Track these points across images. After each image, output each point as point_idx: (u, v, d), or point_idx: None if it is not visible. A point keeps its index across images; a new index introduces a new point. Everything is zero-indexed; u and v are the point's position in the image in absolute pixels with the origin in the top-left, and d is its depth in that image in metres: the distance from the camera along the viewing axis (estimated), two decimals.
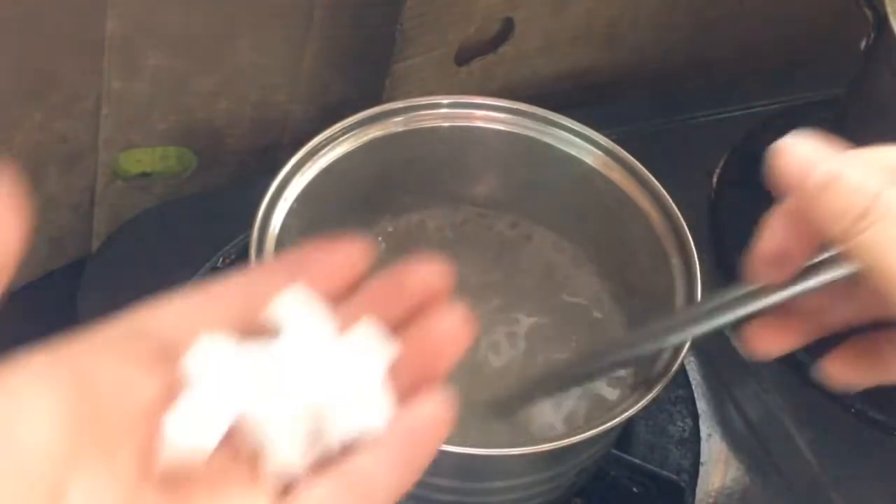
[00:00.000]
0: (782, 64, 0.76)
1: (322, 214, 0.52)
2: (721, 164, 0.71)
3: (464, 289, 0.37)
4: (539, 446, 0.45)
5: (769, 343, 0.42)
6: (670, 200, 0.52)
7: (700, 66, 0.76)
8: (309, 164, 0.52)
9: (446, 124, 0.55)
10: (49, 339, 0.29)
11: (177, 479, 0.29)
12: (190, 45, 0.58)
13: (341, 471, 0.30)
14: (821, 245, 0.39)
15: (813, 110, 0.74)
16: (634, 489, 0.57)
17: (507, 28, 0.66)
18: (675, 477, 0.58)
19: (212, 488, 0.30)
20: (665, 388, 0.46)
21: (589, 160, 0.55)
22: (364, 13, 0.61)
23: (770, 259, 0.40)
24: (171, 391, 0.30)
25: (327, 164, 0.52)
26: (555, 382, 0.51)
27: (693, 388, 0.62)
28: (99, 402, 0.28)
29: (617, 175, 0.54)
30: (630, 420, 0.48)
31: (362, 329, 0.32)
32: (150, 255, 0.63)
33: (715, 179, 0.71)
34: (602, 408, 0.52)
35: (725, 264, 0.65)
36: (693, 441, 0.60)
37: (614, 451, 0.56)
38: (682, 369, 0.62)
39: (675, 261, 0.51)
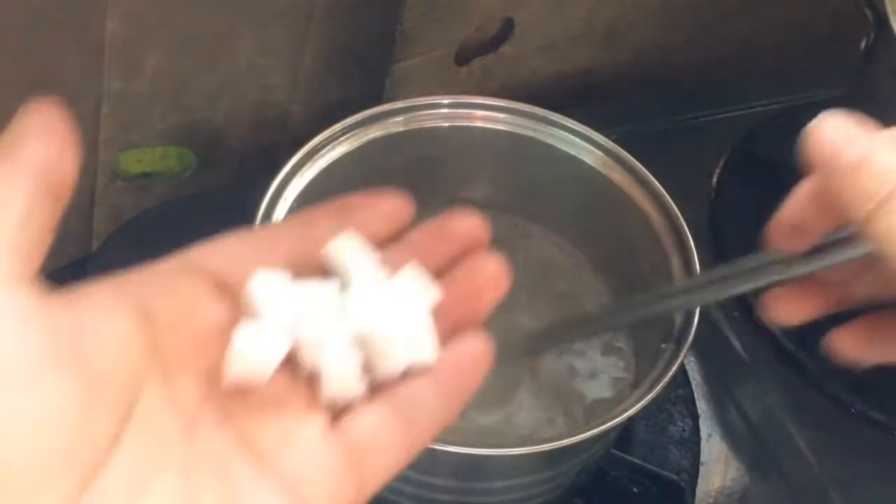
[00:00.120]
0: (782, 64, 0.76)
1: None
2: (721, 164, 0.71)
3: None
4: (539, 446, 0.45)
5: (789, 311, 0.43)
6: (670, 200, 0.52)
7: (700, 66, 0.76)
8: (309, 164, 0.52)
9: (446, 124, 0.55)
10: None
11: (237, 401, 0.31)
12: (190, 45, 0.58)
13: (393, 397, 0.32)
14: (843, 222, 0.39)
15: (813, 110, 0.74)
16: (634, 489, 0.57)
17: (507, 28, 0.66)
18: (675, 477, 0.58)
19: (270, 410, 0.31)
20: (665, 388, 0.46)
21: (589, 160, 0.55)
22: (364, 13, 0.61)
23: (790, 228, 0.40)
24: (231, 318, 0.31)
25: (327, 164, 0.52)
26: (577, 329, 0.52)
27: (693, 388, 0.62)
28: (162, 327, 0.30)
29: (617, 175, 0.54)
30: (630, 420, 0.48)
31: (408, 273, 0.34)
32: (150, 255, 0.62)
33: (715, 179, 0.70)
34: (602, 408, 0.52)
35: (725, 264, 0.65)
36: (693, 441, 0.60)
37: (614, 451, 0.56)
38: (682, 369, 0.62)
39: (675, 261, 0.51)
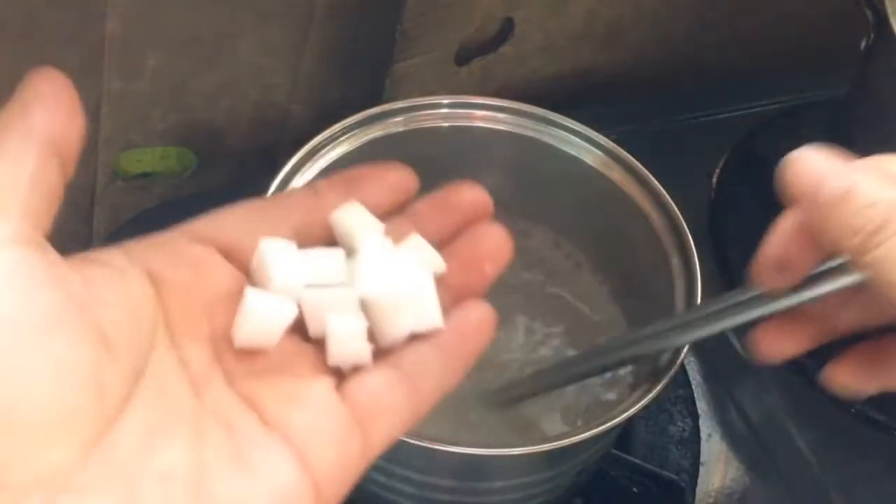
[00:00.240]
0: (782, 64, 0.76)
1: None
2: (721, 164, 0.71)
3: None
4: (539, 446, 0.45)
5: (776, 347, 0.42)
6: (670, 200, 0.52)
7: (700, 66, 0.76)
8: (309, 164, 0.52)
9: (446, 124, 0.55)
10: None
11: (245, 365, 0.31)
12: (190, 45, 0.58)
13: (398, 361, 0.33)
14: (828, 254, 0.39)
15: (813, 110, 0.74)
16: (634, 489, 0.57)
17: (507, 28, 0.66)
18: (675, 477, 0.58)
19: (277, 373, 0.32)
20: (665, 388, 0.46)
21: (589, 160, 0.55)
22: (364, 13, 0.61)
23: (775, 265, 0.40)
24: (238, 285, 0.32)
25: (327, 164, 0.52)
26: (556, 377, 0.51)
27: (693, 388, 0.62)
28: (170, 292, 0.30)
29: (617, 175, 0.54)
30: (630, 420, 0.48)
31: (412, 243, 0.35)
32: None
33: (715, 179, 0.71)
34: (602, 408, 0.52)
35: (725, 264, 0.65)
36: (693, 441, 0.60)
37: (614, 451, 0.56)
38: (682, 369, 0.62)
39: (675, 261, 0.51)
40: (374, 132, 0.54)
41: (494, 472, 0.49)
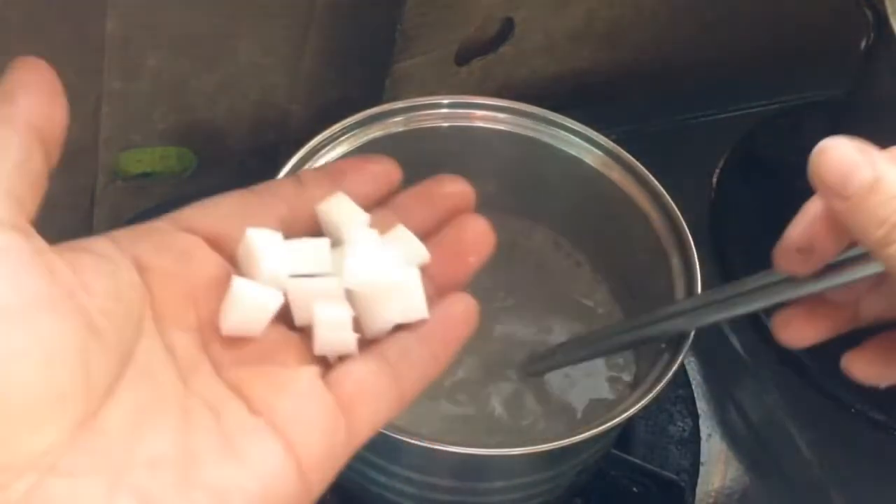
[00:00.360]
0: (782, 64, 0.76)
1: None
2: (721, 164, 0.71)
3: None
4: (539, 446, 0.45)
5: (798, 333, 0.43)
6: (670, 200, 0.52)
7: (700, 66, 0.76)
8: (309, 164, 0.52)
9: (446, 124, 0.55)
10: None
11: (231, 353, 0.32)
12: (190, 45, 0.58)
13: (382, 350, 0.33)
14: (852, 243, 0.39)
15: (813, 110, 0.74)
16: (634, 489, 0.57)
17: (507, 28, 0.66)
18: (675, 477, 0.58)
19: (263, 362, 0.32)
20: (665, 388, 0.46)
21: (589, 160, 0.55)
22: (364, 13, 0.61)
23: (798, 248, 0.40)
24: (224, 274, 0.33)
25: (327, 164, 0.52)
26: (578, 350, 0.52)
27: (693, 388, 0.62)
28: (157, 280, 0.31)
29: (617, 175, 0.54)
30: (630, 420, 0.48)
31: (397, 234, 0.35)
32: None
33: (715, 179, 0.70)
34: (602, 408, 0.52)
35: (725, 264, 0.65)
36: (693, 441, 0.60)
37: (614, 451, 0.56)
38: (682, 369, 0.62)
39: (675, 261, 0.51)
40: (374, 132, 0.54)
41: (494, 472, 0.49)
